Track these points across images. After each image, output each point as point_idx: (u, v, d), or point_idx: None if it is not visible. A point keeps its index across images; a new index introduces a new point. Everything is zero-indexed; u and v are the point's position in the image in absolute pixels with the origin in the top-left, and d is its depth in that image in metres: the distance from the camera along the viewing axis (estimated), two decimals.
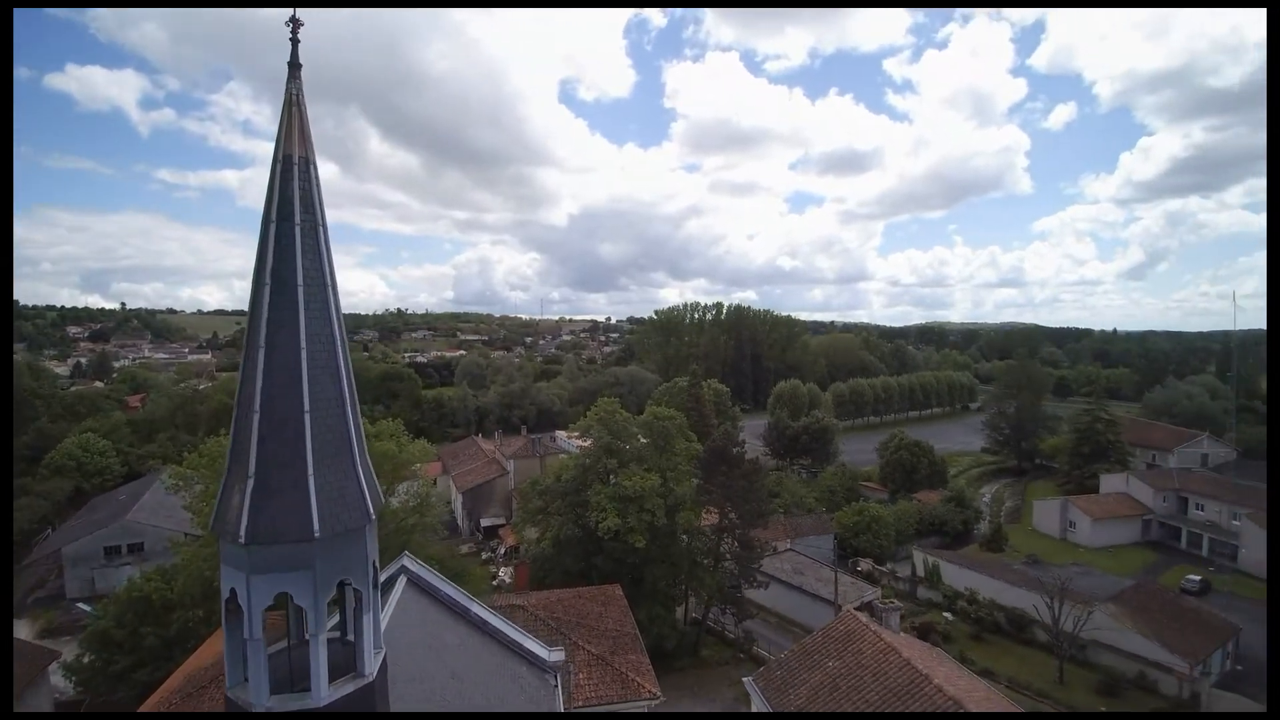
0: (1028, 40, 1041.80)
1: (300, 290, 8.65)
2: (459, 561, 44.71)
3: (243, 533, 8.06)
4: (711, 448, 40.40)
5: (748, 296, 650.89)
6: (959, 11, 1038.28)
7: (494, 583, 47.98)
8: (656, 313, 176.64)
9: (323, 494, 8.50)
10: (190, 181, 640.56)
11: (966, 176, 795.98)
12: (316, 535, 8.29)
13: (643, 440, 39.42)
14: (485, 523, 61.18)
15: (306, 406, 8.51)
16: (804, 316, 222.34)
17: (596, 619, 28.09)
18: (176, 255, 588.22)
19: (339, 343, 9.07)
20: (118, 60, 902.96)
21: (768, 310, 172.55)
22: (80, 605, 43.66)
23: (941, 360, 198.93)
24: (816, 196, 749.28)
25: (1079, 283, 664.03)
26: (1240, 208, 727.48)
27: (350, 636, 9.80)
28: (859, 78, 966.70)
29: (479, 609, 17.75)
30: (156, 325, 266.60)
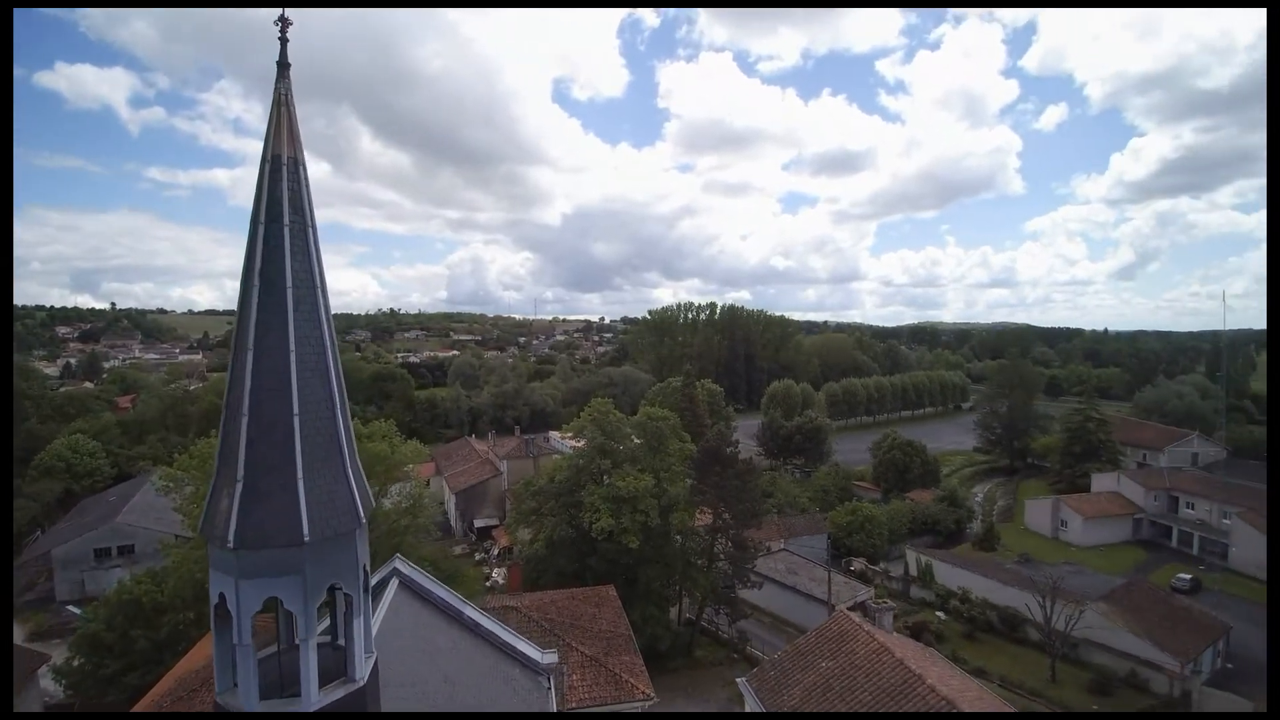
0: (1019, 41, 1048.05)
1: (289, 292, 8.60)
2: (452, 563, 44.72)
3: (231, 537, 7.99)
4: (705, 448, 40.40)
5: (741, 296, 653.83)
6: (951, 12, 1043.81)
7: (487, 584, 47.88)
8: (650, 313, 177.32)
9: (312, 498, 8.44)
10: (181, 180, 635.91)
11: (958, 177, 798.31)
12: (306, 540, 8.23)
13: (636, 441, 39.43)
14: (478, 524, 61.07)
15: (296, 409, 8.45)
16: (797, 316, 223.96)
17: (590, 620, 28.08)
18: (167, 255, 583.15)
19: (329, 345, 9.02)
20: (107, 58, 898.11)
21: (761, 310, 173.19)
22: (70, 608, 43.30)
23: (934, 360, 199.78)
24: (809, 197, 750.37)
25: (1070, 283, 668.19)
26: (1230, 208, 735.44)
27: (341, 640, 9.73)
28: (852, 78, 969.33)
29: (472, 611, 17.67)
30: (147, 325, 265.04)
